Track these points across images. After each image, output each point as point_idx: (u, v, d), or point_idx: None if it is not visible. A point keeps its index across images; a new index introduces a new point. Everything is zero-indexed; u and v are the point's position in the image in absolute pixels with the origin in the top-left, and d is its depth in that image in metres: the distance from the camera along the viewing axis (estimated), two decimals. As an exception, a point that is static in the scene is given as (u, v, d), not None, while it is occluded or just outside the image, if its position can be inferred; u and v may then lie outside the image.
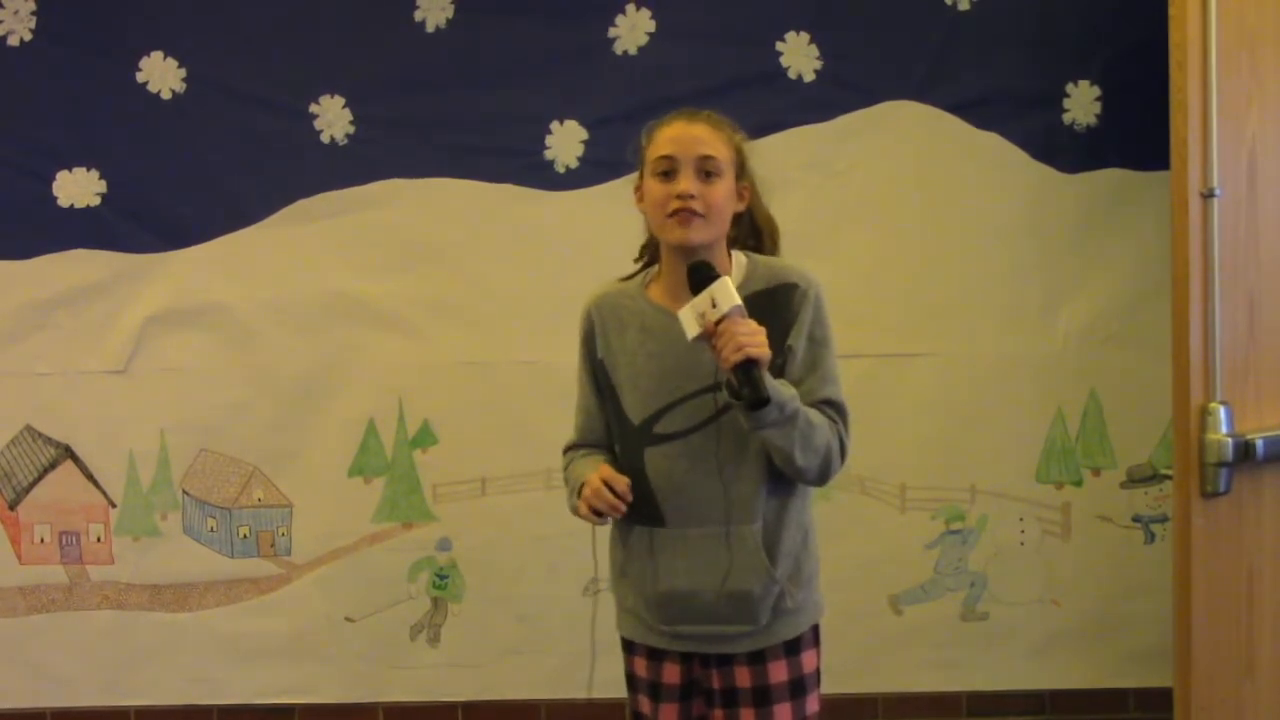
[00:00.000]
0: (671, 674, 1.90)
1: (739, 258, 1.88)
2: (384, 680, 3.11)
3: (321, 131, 3.04)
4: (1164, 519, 3.03)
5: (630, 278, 1.96)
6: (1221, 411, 2.02)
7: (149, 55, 3.04)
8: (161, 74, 3.04)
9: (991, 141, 3.01)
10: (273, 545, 3.10)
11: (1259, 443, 2.03)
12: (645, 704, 1.93)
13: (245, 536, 3.10)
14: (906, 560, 3.07)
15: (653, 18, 3.01)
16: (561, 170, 3.03)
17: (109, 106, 3.04)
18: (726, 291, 1.68)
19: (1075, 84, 3.01)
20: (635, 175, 1.90)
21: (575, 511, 1.85)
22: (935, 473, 3.05)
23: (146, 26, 3.03)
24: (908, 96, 3.01)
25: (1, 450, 3.11)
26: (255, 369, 3.06)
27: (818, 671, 1.91)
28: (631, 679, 1.96)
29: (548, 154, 3.03)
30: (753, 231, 1.94)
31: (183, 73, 3.04)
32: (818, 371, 1.83)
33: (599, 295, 1.96)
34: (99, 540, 3.11)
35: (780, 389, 1.71)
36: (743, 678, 1.86)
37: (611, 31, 3.01)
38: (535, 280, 3.01)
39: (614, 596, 1.96)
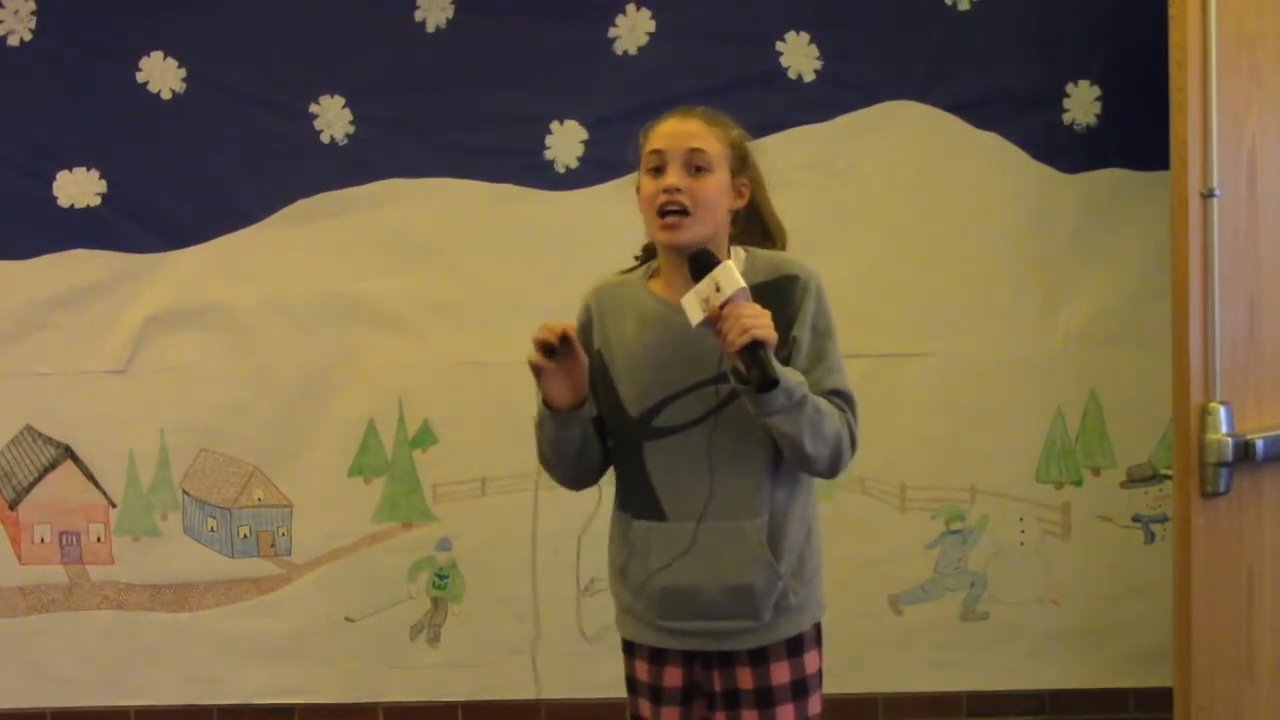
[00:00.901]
0: (673, 677, 1.89)
1: (738, 252, 1.87)
2: (384, 680, 3.11)
3: (321, 131, 3.04)
4: (1164, 519, 3.02)
5: (631, 270, 1.95)
6: (1221, 411, 2.02)
7: (149, 55, 3.04)
8: (161, 74, 3.04)
9: (991, 141, 3.01)
10: (273, 545, 3.10)
11: (1259, 442, 2.03)
12: (646, 707, 1.92)
13: (245, 536, 3.10)
14: (906, 560, 3.07)
15: (653, 18, 3.01)
16: (561, 170, 3.03)
17: (109, 106, 3.04)
18: (730, 275, 1.66)
19: (1075, 84, 3.01)
20: (636, 175, 1.88)
21: (532, 368, 1.78)
22: (935, 473, 3.05)
23: (146, 26, 3.03)
24: (908, 96, 3.01)
25: (2, 450, 3.11)
26: (255, 369, 3.06)
27: (820, 672, 1.90)
28: (632, 682, 1.95)
29: (548, 154, 3.03)
30: (763, 234, 1.93)
31: (183, 73, 3.04)
32: (824, 362, 1.81)
33: (598, 286, 1.95)
34: (99, 540, 3.11)
35: (788, 374, 1.69)
36: (745, 679, 1.85)
37: (611, 31, 3.02)
38: (535, 280, 3.00)
39: (613, 597, 1.95)
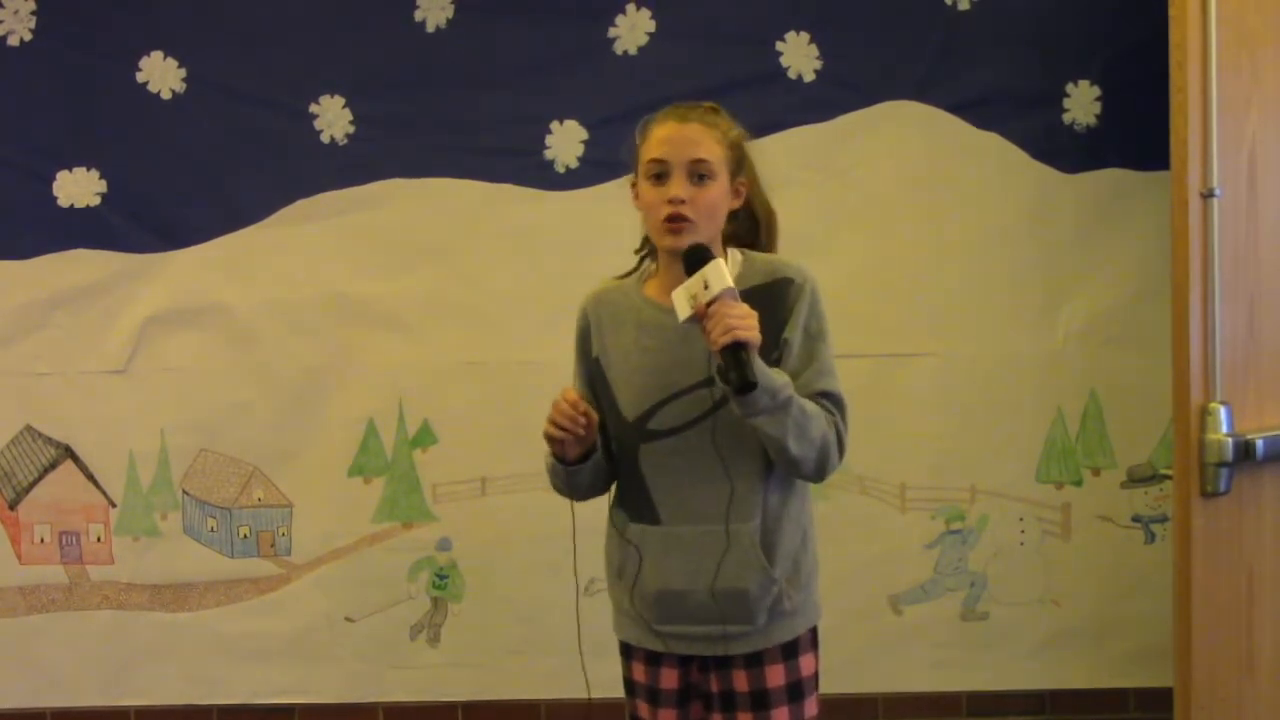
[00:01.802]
0: (670, 678, 1.89)
1: (734, 255, 1.87)
2: (384, 680, 3.11)
3: (321, 131, 3.04)
4: (1164, 519, 3.03)
5: (627, 275, 1.95)
6: (1221, 411, 2.02)
7: (149, 55, 3.04)
8: (161, 74, 3.04)
9: (992, 141, 3.01)
10: (273, 545, 3.10)
11: (1259, 442, 2.02)
12: (644, 709, 1.92)
13: (245, 536, 3.10)
14: (906, 560, 3.07)
15: (653, 18, 3.01)
16: (561, 170, 3.03)
17: (109, 106, 3.04)
18: (719, 273, 1.66)
19: (1075, 84, 3.01)
20: (632, 174, 1.88)
21: (547, 439, 1.81)
22: (935, 473, 3.05)
23: (146, 26, 3.04)
24: (908, 96, 3.01)
25: (1, 450, 3.11)
26: (255, 369, 3.07)
27: (816, 675, 1.90)
28: (630, 684, 1.95)
29: (548, 154, 3.03)
30: (750, 221, 1.92)
31: (183, 73, 3.04)
32: (814, 364, 1.81)
33: (596, 293, 1.95)
34: (99, 540, 3.11)
35: (772, 376, 1.69)
36: (740, 681, 1.85)
37: (611, 31, 3.02)
38: (535, 280, 3.01)
39: (610, 599, 1.95)
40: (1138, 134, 2.96)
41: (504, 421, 3.02)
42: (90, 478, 3.10)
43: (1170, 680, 2.11)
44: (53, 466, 3.10)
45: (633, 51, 3.02)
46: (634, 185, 1.87)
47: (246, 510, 3.10)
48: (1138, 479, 3.02)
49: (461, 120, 3.02)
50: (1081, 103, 3.01)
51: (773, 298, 1.80)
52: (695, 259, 1.70)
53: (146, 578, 3.11)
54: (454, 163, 3.03)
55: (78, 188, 3.06)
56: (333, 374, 3.06)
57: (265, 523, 3.10)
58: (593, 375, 1.91)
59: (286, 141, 3.03)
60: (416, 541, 3.08)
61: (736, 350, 1.63)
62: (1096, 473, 3.06)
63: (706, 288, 1.65)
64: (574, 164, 3.03)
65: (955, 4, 3.00)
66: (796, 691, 1.86)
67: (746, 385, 1.64)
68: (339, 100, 3.03)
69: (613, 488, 1.94)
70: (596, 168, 2.98)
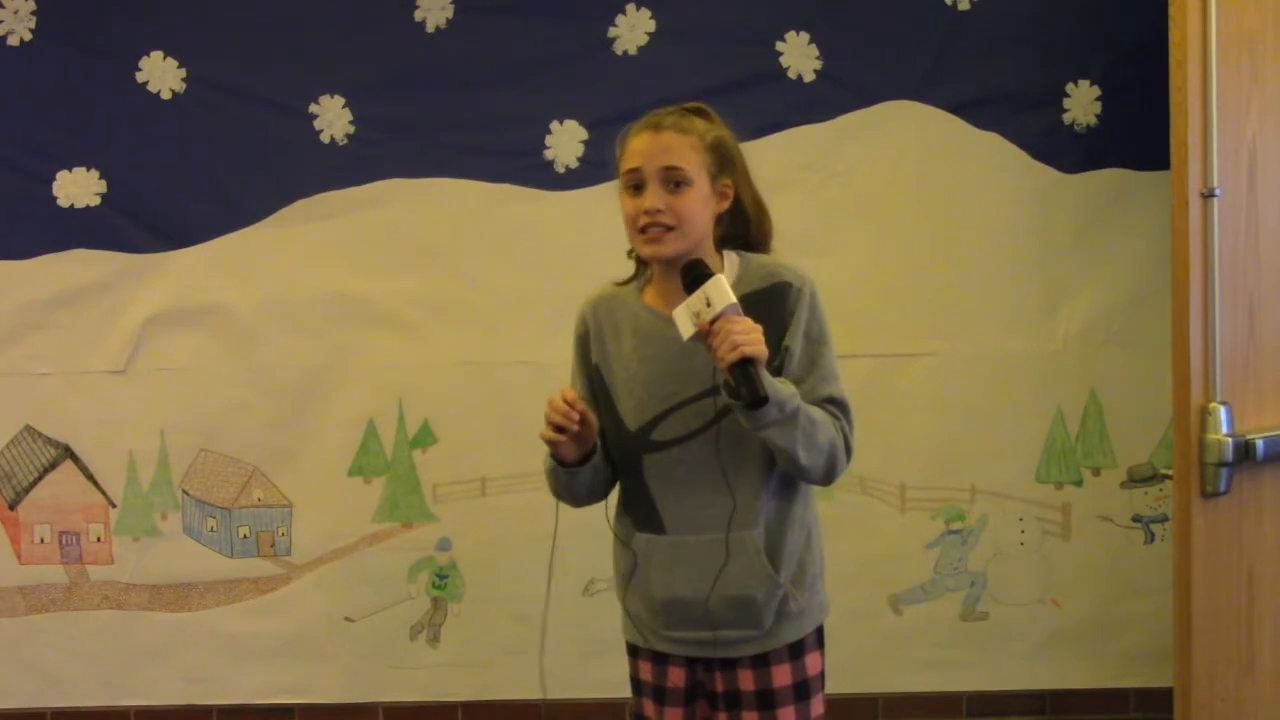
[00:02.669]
0: (676, 677, 1.89)
1: (731, 257, 1.86)
2: (384, 680, 3.11)
3: (321, 131, 3.04)
4: (1164, 519, 3.03)
5: (627, 281, 1.95)
6: (1221, 411, 2.02)
7: (149, 55, 3.04)
8: (161, 74, 3.04)
9: (992, 142, 3.01)
10: (272, 545, 3.10)
11: (1259, 443, 2.02)
12: (650, 707, 1.92)
13: (245, 536, 3.10)
14: (906, 560, 3.07)
15: (653, 18, 3.01)
16: (561, 170, 3.03)
17: (109, 106, 3.04)
18: (721, 290, 1.65)
19: (1075, 84, 3.01)
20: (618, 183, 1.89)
21: (544, 439, 1.80)
22: (935, 472, 3.05)
23: (146, 26, 3.03)
24: (908, 96, 3.01)
25: (1, 450, 3.11)
26: (255, 369, 3.07)
27: (822, 674, 1.90)
28: (636, 682, 1.95)
29: (547, 154, 3.03)
30: (742, 219, 1.89)
31: (183, 73, 3.04)
32: (818, 370, 1.80)
33: (594, 298, 1.94)
34: (99, 540, 3.11)
35: (779, 387, 1.69)
36: (746, 681, 1.85)
37: (611, 31, 3.02)
38: (535, 280, 3.01)
39: (619, 601, 1.95)
40: (1137, 134, 2.97)
41: (504, 422, 3.02)
42: (90, 478, 3.10)
43: (1170, 680, 2.12)
44: (52, 466, 3.10)
45: (633, 51, 3.02)
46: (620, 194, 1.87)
47: (246, 510, 3.10)
48: (1138, 479, 3.02)
49: (461, 120, 3.02)
50: (1081, 103, 3.01)
51: (772, 303, 1.80)
52: (695, 276, 1.69)
53: (146, 578, 3.11)
54: (454, 163, 3.03)
55: (78, 187, 3.06)
56: (332, 374, 3.06)
57: (265, 523, 3.10)
58: (592, 382, 1.91)
59: (286, 141, 3.03)
60: (416, 541, 3.08)
61: (745, 366, 1.63)
62: (1096, 473, 3.06)
63: (709, 305, 1.64)
64: (574, 164, 3.03)
65: (955, 4, 3.00)
66: (803, 690, 1.85)
67: (758, 400, 1.64)
68: (339, 100, 3.03)
69: (613, 496, 1.94)
70: (596, 168, 2.98)
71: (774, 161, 2.93)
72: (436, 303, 3.05)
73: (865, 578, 3.04)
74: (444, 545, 3.09)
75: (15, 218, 3.06)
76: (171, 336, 3.07)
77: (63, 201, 3.06)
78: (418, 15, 3.02)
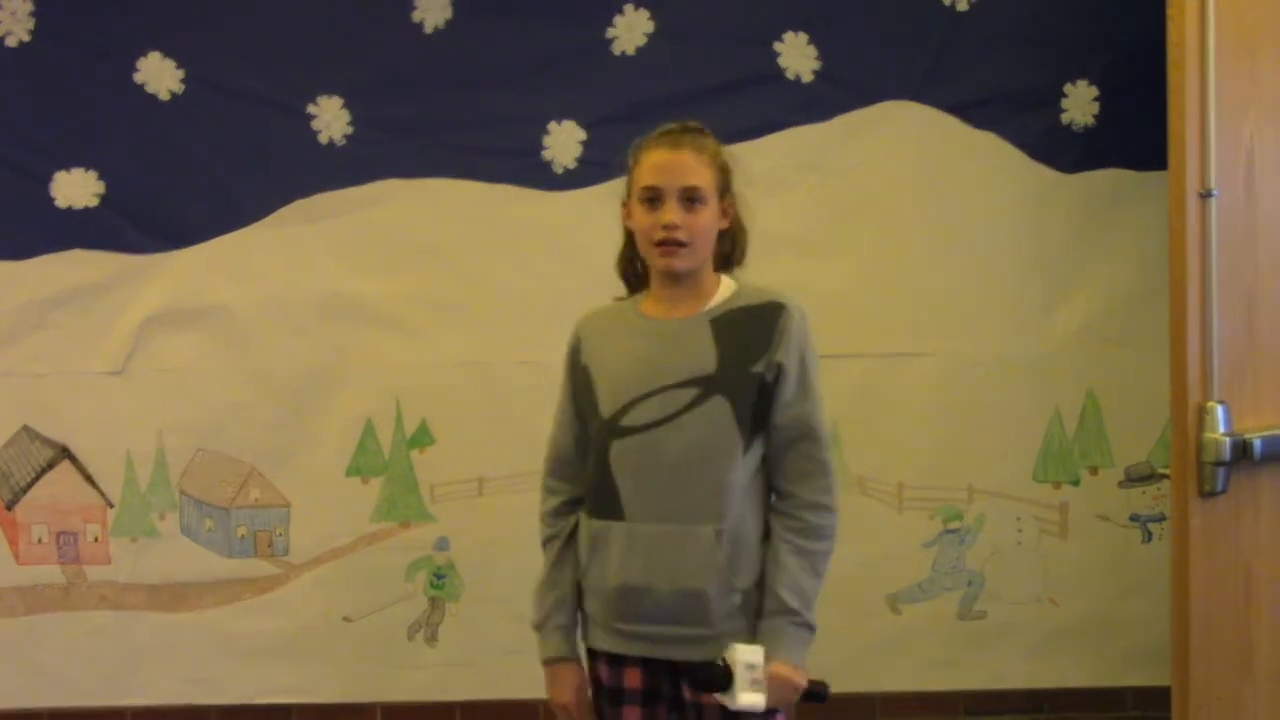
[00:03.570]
0: (633, 678, 1.89)
1: (727, 281, 1.92)
2: (382, 680, 3.10)
3: (320, 132, 3.04)
4: (1162, 518, 3.03)
5: (624, 299, 2.00)
6: (1219, 411, 2.02)
7: (147, 55, 3.03)
8: (159, 74, 3.04)
9: (990, 142, 3.02)
10: (270, 545, 3.09)
11: (1257, 442, 2.02)
12: (610, 710, 1.92)
13: (243, 536, 3.10)
14: (904, 559, 3.07)
15: (651, 18, 3.01)
16: (560, 171, 3.03)
17: (107, 107, 3.04)
18: (746, 655, 1.75)
19: (1074, 84, 3.01)
20: (625, 188, 1.92)
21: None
22: (933, 472, 3.06)
23: (145, 27, 3.03)
24: (907, 96, 3.01)
25: (-1, 450, 3.11)
26: (253, 369, 3.06)
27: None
28: (596, 685, 1.95)
29: (546, 154, 3.03)
30: (727, 236, 1.94)
31: (181, 73, 3.04)
32: (810, 398, 1.86)
33: (590, 313, 2.00)
34: (96, 540, 3.11)
35: (785, 598, 1.80)
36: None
37: (610, 31, 3.02)
38: (534, 280, 3.01)
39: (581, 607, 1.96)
40: (1136, 134, 2.97)
41: (501, 422, 3.02)
42: (88, 478, 3.10)
43: (1168, 679, 2.12)
44: (50, 467, 3.10)
45: (631, 52, 3.02)
46: (625, 204, 1.93)
47: (244, 510, 3.09)
48: (1135, 478, 3.03)
49: (460, 120, 3.02)
50: (1080, 103, 3.02)
51: (762, 318, 1.86)
52: (712, 678, 1.78)
53: (144, 578, 3.11)
54: (452, 163, 3.03)
55: (75, 188, 3.05)
56: (330, 374, 3.06)
57: (263, 523, 3.10)
58: (579, 386, 1.94)
59: (285, 142, 3.03)
60: (414, 541, 3.08)
61: (809, 694, 1.80)
62: (1094, 472, 3.06)
63: (751, 667, 1.75)
64: (572, 164, 3.03)
65: (954, 4, 3.01)
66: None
67: (824, 690, 1.81)
68: (337, 100, 3.03)
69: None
70: (595, 168, 2.98)
71: (772, 162, 2.94)
72: (434, 303, 3.05)
73: (863, 577, 3.04)
74: (442, 545, 3.09)
75: (13, 218, 3.06)
76: (169, 337, 3.06)
77: (61, 202, 3.06)
78: (416, 16, 3.02)
